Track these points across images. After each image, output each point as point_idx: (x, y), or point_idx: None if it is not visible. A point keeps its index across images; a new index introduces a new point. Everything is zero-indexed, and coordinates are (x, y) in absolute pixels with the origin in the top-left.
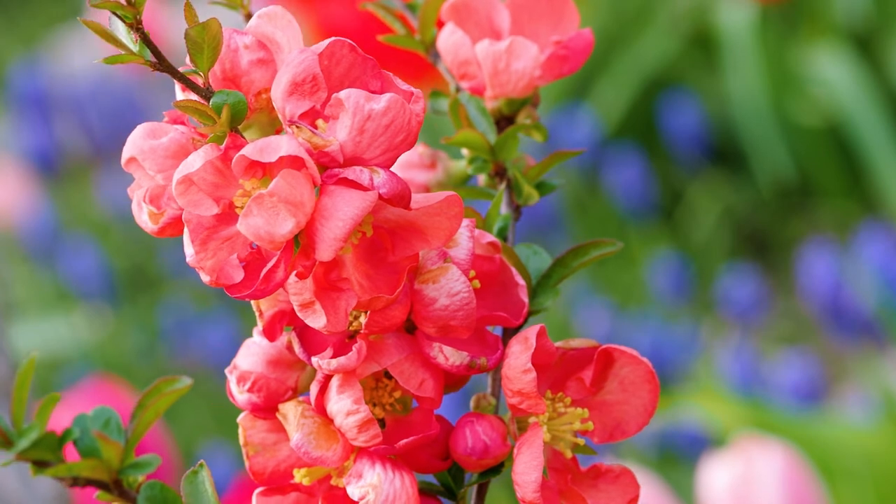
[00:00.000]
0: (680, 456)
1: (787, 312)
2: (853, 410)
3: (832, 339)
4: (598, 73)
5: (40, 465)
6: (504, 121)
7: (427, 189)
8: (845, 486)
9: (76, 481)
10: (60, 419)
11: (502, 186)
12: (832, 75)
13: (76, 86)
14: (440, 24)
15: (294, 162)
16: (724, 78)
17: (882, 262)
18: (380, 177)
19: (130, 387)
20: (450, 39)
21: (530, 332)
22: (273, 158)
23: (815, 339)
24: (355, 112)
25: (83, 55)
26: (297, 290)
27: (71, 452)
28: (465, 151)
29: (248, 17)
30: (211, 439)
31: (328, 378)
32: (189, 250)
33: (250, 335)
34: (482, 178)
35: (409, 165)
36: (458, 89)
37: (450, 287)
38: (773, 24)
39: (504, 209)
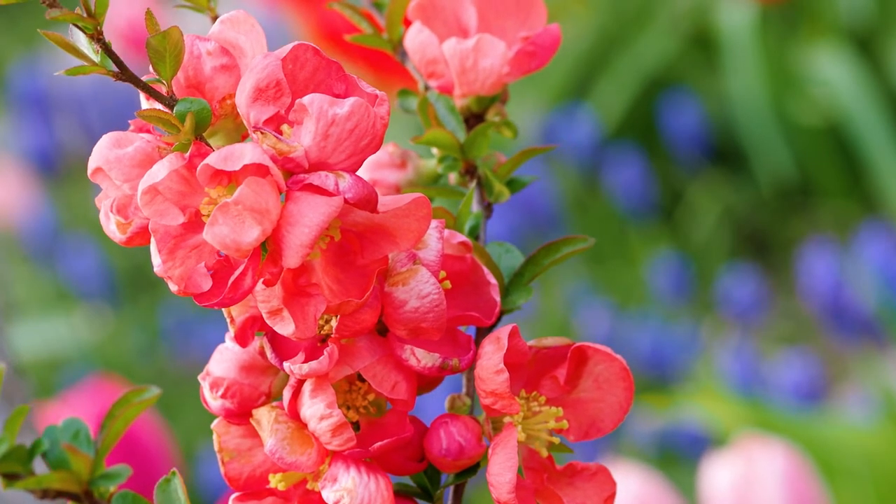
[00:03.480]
0: (681, 456)
1: (787, 312)
2: (853, 410)
3: (832, 339)
4: (598, 73)
5: (10, 477)
6: (473, 118)
7: (398, 188)
8: (845, 486)
9: (46, 493)
10: (60, 419)
11: (473, 185)
12: (832, 75)
13: (76, 86)
14: (407, 23)
15: (259, 169)
16: (724, 78)
17: (882, 262)
18: (345, 181)
19: (131, 387)
20: (417, 38)
21: (502, 332)
22: (237, 167)
23: (815, 339)
24: (319, 117)
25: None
26: (266, 298)
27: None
28: (435, 150)
29: (216, 19)
30: (210, 439)
31: (301, 383)
32: (156, 260)
33: None
34: (453, 177)
35: (379, 165)
36: (426, 88)
37: (419, 289)
38: (773, 24)
39: (475, 207)
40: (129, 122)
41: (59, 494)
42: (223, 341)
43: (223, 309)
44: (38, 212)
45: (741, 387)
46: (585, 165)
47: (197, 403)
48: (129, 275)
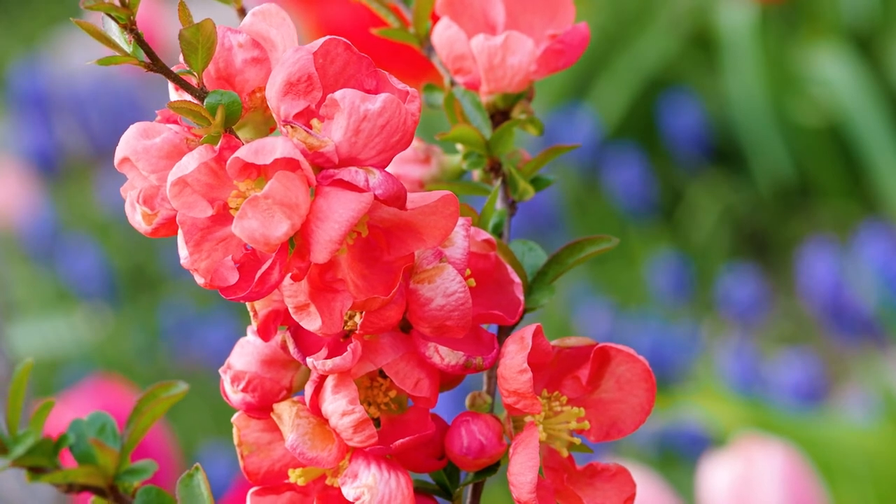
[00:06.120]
0: (680, 456)
1: (787, 312)
2: (853, 410)
3: (832, 339)
4: (598, 73)
5: (36, 471)
6: (499, 115)
7: (421, 184)
8: (845, 486)
9: (72, 487)
10: (61, 419)
11: (498, 182)
12: (832, 75)
13: (76, 86)
14: (435, 17)
15: (289, 163)
16: (724, 78)
17: (882, 262)
18: (375, 178)
19: (131, 387)
20: (445, 34)
21: (526, 331)
22: (268, 160)
23: (815, 339)
24: (350, 113)
25: (83, 55)
26: (292, 293)
27: (67, 456)
28: (459, 146)
29: (241, 12)
30: (211, 439)
31: (323, 378)
32: (183, 252)
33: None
34: (477, 173)
35: (404, 160)
36: (452, 83)
37: (445, 287)
38: (773, 24)
39: (499, 205)
40: (157, 112)
41: (85, 489)
42: (223, 341)
43: (246, 302)
44: (38, 212)
45: (741, 387)
46: (585, 165)
47: (197, 403)
48: (129, 275)
